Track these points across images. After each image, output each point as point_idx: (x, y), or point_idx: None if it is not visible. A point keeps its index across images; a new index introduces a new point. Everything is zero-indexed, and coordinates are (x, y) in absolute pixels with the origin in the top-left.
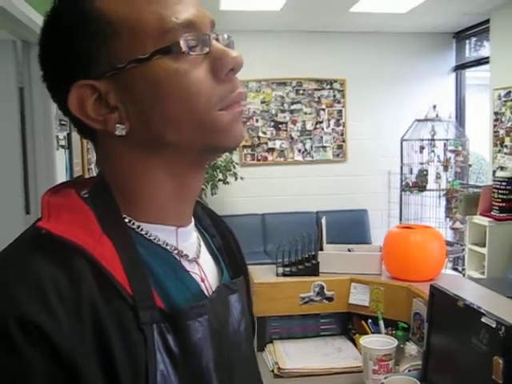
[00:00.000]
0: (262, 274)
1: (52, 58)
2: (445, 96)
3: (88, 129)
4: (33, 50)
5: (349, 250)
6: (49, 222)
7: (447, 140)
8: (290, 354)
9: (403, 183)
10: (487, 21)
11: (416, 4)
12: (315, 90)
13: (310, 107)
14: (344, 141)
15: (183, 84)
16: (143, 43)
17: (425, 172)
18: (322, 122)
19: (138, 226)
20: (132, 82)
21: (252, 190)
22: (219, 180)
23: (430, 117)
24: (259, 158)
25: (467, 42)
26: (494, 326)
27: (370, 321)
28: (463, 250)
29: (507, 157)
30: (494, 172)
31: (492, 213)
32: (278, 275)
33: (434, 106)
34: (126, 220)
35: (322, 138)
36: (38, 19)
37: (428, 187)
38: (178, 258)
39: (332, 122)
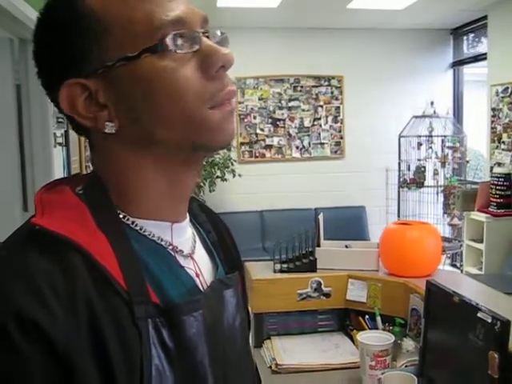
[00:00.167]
0: (259, 271)
1: (45, 55)
2: (442, 92)
3: (82, 126)
4: (29, 47)
5: (346, 247)
6: (43, 218)
7: (445, 136)
8: (287, 350)
9: (401, 180)
10: (485, 17)
11: (413, 0)
12: (313, 86)
13: (308, 104)
14: (342, 137)
15: (172, 82)
16: (133, 41)
17: (422, 168)
18: (319, 119)
19: (133, 222)
20: (121, 80)
21: (250, 187)
22: (217, 177)
23: (428, 113)
24: (257, 154)
25: (465, 38)
26: (489, 321)
27: (367, 317)
28: (461, 246)
29: (504, 153)
30: (492, 168)
31: (489, 209)
32: (275, 271)
33: (432, 103)
34: (121, 216)
35: (319, 134)
36: (34, 17)
37: (426, 183)
38: (172, 253)
39: (330, 118)
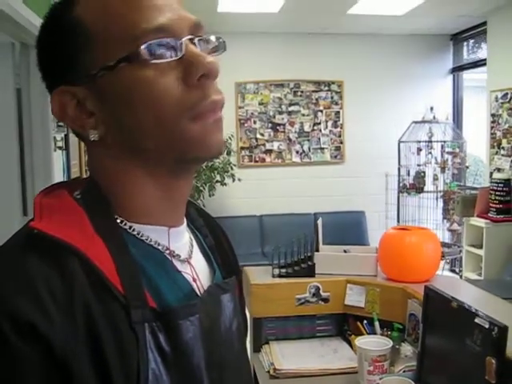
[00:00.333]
0: (258, 275)
1: (41, 62)
2: (442, 98)
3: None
4: (31, 52)
5: (345, 252)
6: (41, 222)
7: (444, 142)
8: (285, 355)
9: (401, 185)
10: (484, 23)
11: (413, 6)
12: (313, 91)
13: (308, 109)
14: (342, 142)
15: (149, 92)
16: (114, 50)
17: (422, 174)
18: (319, 124)
19: (130, 227)
20: (105, 89)
21: (250, 192)
22: (217, 181)
23: (428, 119)
24: (257, 159)
25: (464, 44)
26: (487, 326)
27: (365, 322)
28: (460, 251)
29: (504, 158)
30: (491, 174)
31: (489, 214)
32: (273, 276)
33: (432, 108)
34: (118, 220)
35: (319, 139)
36: (36, 21)
37: (425, 189)
38: (169, 257)
39: (330, 123)
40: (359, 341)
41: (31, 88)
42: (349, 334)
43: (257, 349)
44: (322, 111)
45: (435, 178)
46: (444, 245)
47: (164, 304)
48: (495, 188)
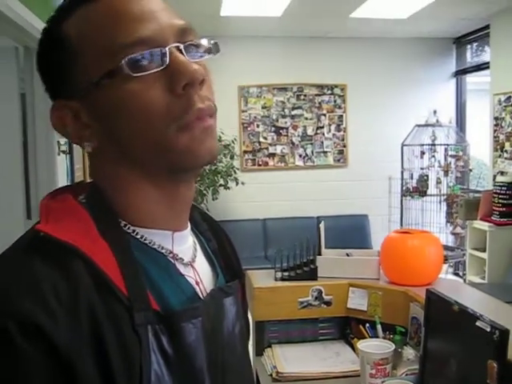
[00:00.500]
0: (260, 279)
1: (41, 75)
2: (445, 101)
3: None
4: (34, 56)
5: (347, 255)
6: (47, 225)
7: (448, 145)
8: (288, 358)
9: (404, 188)
10: (487, 26)
11: (416, 10)
12: (316, 95)
13: (311, 112)
14: (345, 146)
15: (135, 105)
16: (97, 66)
17: (425, 177)
18: (322, 128)
19: (133, 231)
20: (94, 104)
21: (253, 195)
22: (220, 185)
23: (431, 122)
24: (260, 163)
25: (468, 47)
26: (488, 330)
27: (367, 325)
28: (464, 254)
29: (507, 162)
30: (495, 177)
31: (492, 217)
32: (276, 280)
33: (435, 112)
34: (122, 224)
35: (322, 143)
36: (39, 25)
37: (428, 192)
38: (173, 261)
39: (333, 127)
40: (361, 344)
41: (35, 92)
42: (351, 337)
43: (259, 352)
44: (325, 115)
45: (438, 182)
46: (447, 248)
47: (167, 307)
48: (498, 191)
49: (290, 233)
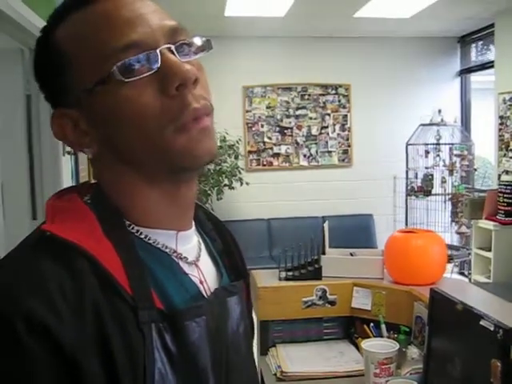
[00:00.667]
0: (265, 279)
1: (39, 83)
2: (450, 100)
3: None
4: None
5: (351, 255)
6: (53, 225)
7: (452, 144)
8: (292, 358)
9: (408, 188)
10: (492, 25)
11: (420, 9)
12: (320, 95)
13: (315, 112)
14: (349, 146)
15: (130, 109)
16: (90, 73)
17: (430, 176)
18: (327, 127)
19: (138, 231)
20: (90, 111)
21: (257, 195)
22: (225, 185)
23: (435, 121)
24: (265, 163)
25: (473, 46)
26: (492, 329)
27: (372, 324)
28: (469, 254)
29: None
30: (500, 176)
31: (497, 217)
32: (280, 279)
33: (439, 111)
34: (126, 224)
35: (327, 143)
36: None
37: (433, 191)
38: (177, 260)
39: (337, 126)
40: (365, 343)
41: (40, 94)
42: (355, 336)
43: (264, 352)
44: (329, 115)
45: (443, 181)
46: (452, 247)
47: (171, 305)
48: (503, 190)
49: (294, 233)
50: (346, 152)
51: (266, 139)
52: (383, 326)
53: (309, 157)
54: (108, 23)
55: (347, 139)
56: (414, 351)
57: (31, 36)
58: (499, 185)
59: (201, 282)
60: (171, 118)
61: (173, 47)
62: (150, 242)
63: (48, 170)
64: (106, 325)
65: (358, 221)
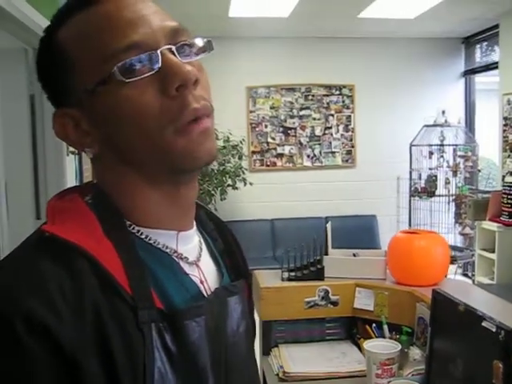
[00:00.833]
0: (267, 279)
1: (41, 83)
2: (454, 101)
3: None
4: None
5: (354, 255)
6: (53, 226)
7: (456, 145)
8: (295, 358)
9: (412, 188)
10: (496, 26)
11: (424, 10)
12: (324, 95)
13: (319, 113)
14: (353, 146)
15: (131, 109)
16: (91, 73)
17: (434, 177)
18: (330, 128)
19: (138, 231)
20: (92, 111)
21: (261, 196)
22: (228, 185)
23: (439, 122)
24: (268, 163)
25: (477, 46)
26: (494, 330)
27: (374, 325)
28: (473, 255)
29: None
30: (504, 177)
31: (501, 218)
32: (283, 280)
33: (443, 112)
34: (127, 224)
35: (330, 143)
36: None
37: (437, 192)
38: (177, 260)
39: (341, 127)
40: (368, 344)
41: (44, 94)
42: (358, 337)
43: (266, 352)
44: (333, 115)
45: (447, 182)
46: (456, 249)
47: (171, 305)
48: (507, 192)
49: (298, 233)
50: (349, 153)
51: (269, 140)
52: (385, 327)
53: (312, 157)
54: (110, 24)
55: (351, 140)
56: (416, 352)
57: (35, 36)
58: (503, 186)
59: (201, 282)
60: (171, 118)
61: (173, 48)
62: (151, 242)
63: (52, 169)
64: (106, 325)
65: (361, 221)
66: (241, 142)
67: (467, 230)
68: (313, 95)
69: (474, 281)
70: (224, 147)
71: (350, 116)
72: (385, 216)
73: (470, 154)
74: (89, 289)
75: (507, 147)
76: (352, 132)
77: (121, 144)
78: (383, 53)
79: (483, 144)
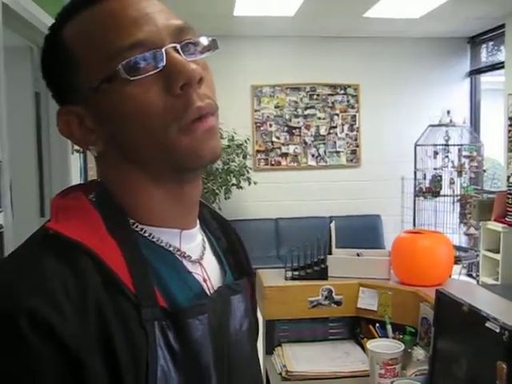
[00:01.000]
0: (271, 278)
1: (46, 81)
2: (459, 101)
3: None
4: None
5: (357, 255)
6: (57, 223)
7: (461, 145)
8: (298, 358)
9: (417, 188)
10: (502, 25)
11: (430, 9)
12: (329, 95)
13: (324, 112)
14: (358, 146)
15: (135, 107)
16: (96, 71)
17: (439, 177)
18: (335, 127)
19: (142, 229)
20: (96, 108)
21: (265, 195)
22: (233, 184)
23: (444, 122)
24: (273, 162)
25: (483, 46)
26: (497, 330)
27: (377, 325)
28: (477, 255)
29: None
30: (509, 177)
31: (506, 219)
32: (286, 279)
33: (448, 112)
34: (130, 222)
35: (335, 143)
36: None
37: (442, 193)
38: (180, 258)
39: (346, 127)
40: (371, 344)
41: (49, 92)
42: (361, 337)
43: (269, 351)
44: (338, 115)
45: (452, 182)
46: (461, 249)
47: (174, 303)
48: None
49: (302, 232)
50: (354, 152)
51: (274, 139)
52: (389, 327)
53: (317, 157)
54: (114, 22)
55: (355, 139)
56: (419, 352)
57: (40, 33)
58: (508, 186)
59: (204, 281)
60: (175, 116)
61: (178, 46)
62: (154, 240)
63: (57, 167)
64: (109, 323)
65: (365, 221)
66: (245, 141)
67: (472, 231)
68: (318, 94)
69: (478, 281)
70: (229, 146)
71: (354, 115)
72: (389, 216)
73: (475, 154)
74: (92, 287)
75: None
76: (357, 131)
77: (125, 142)
78: (388, 52)
79: (488, 144)
